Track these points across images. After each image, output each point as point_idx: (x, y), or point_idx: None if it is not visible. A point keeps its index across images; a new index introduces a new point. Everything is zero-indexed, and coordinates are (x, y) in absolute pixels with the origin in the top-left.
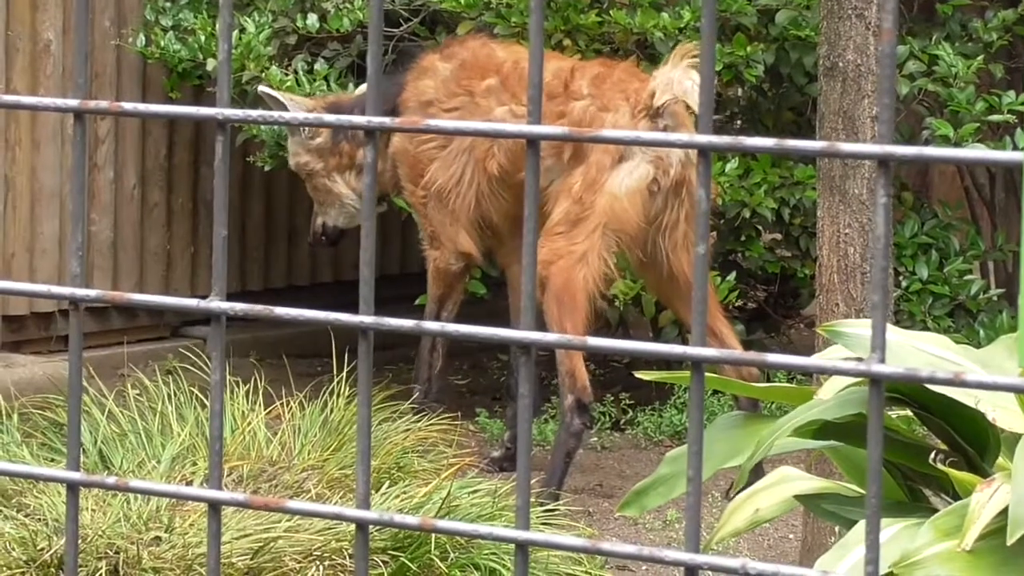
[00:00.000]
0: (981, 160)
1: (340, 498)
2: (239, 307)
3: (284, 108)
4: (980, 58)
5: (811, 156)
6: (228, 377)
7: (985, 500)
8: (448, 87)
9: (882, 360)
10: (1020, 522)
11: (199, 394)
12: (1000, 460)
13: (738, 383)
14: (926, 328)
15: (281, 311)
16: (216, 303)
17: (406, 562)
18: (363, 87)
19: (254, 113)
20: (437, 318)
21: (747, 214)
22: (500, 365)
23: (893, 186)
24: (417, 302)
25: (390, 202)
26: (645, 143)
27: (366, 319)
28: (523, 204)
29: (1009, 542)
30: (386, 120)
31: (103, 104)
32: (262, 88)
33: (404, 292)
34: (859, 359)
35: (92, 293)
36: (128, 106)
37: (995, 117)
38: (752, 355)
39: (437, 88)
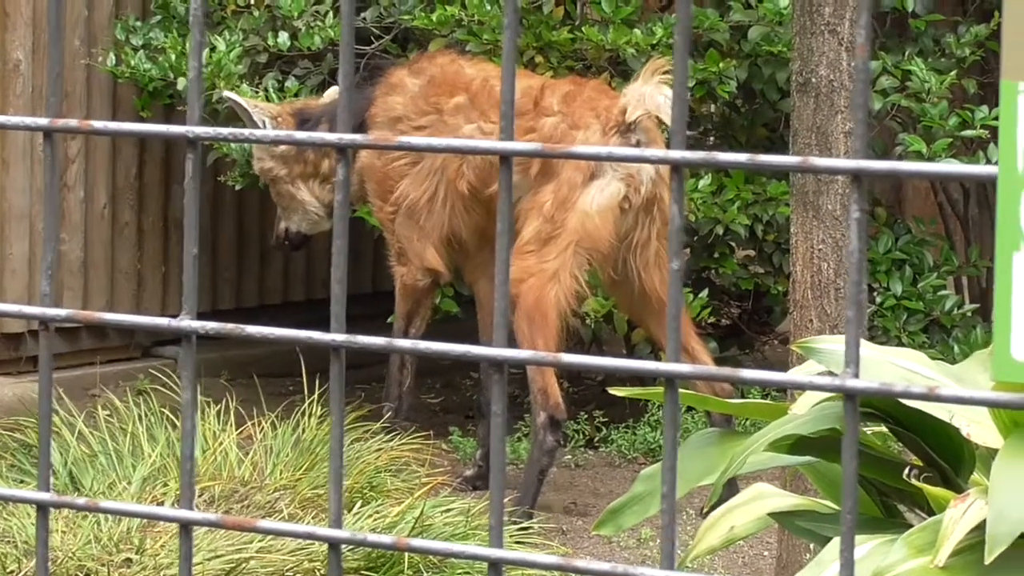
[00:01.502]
0: (955, 175)
1: (313, 518)
2: (210, 326)
3: (248, 115)
4: (953, 73)
5: (785, 171)
6: (199, 397)
7: (958, 516)
8: (417, 104)
9: (856, 375)
10: (998, 540)
11: (170, 414)
12: (975, 476)
13: (712, 399)
14: (901, 344)
15: (252, 330)
16: (187, 322)
17: None
18: (330, 92)
19: (224, 131)
20: (405, 335)
21: (720, 231)
22: (472, 383)
23: (867, 201)
24: (390, 320)
25: (361, 219)
26: (618, 159)
27: (338, 337)
28: (492, 218)
29: (987, 560)
30: (357, 137)
31: (73, 123)
32: (226, 94)
33: (377, 311)
34: (833, 374)
35: (62, 313)
36: (98, 124)
37: (968, 132)
38: (726, 371)
39: (406, 104)
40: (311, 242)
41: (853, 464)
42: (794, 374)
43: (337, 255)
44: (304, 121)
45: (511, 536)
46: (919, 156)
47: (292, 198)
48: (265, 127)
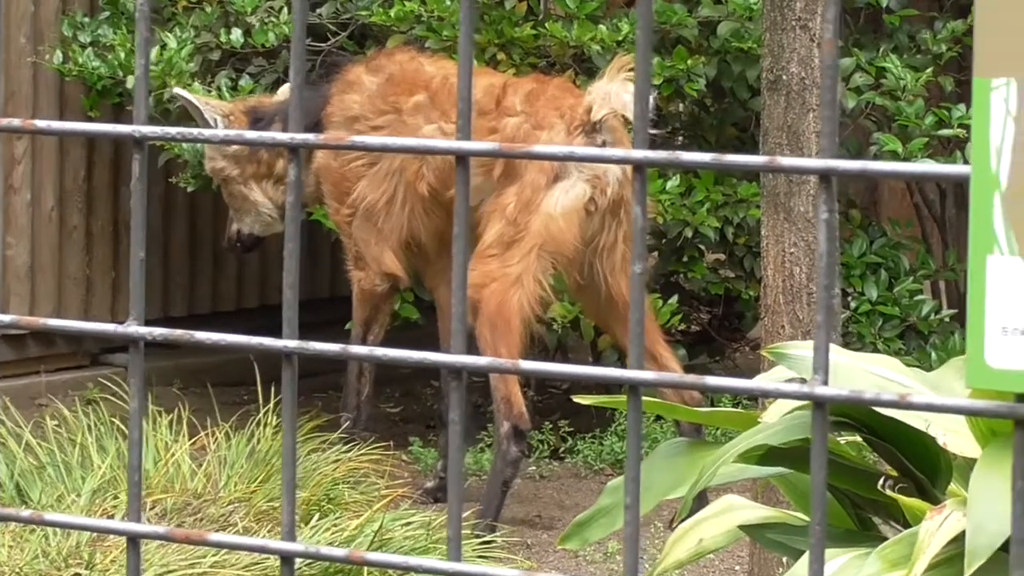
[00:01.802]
0: (926, 174)
1: (268, 531)
2: (158, 332)
3: (200, 113)
4: (929, 70)
5: (752, 171)
6: (150, 406)
7: (934, 528)
8: (375, 103)
9: (825, 382)
10: (978, 553)
11: (121, 424)
12: (952, 486)
13: (680, 408)
14: (876, 350)
15: (202, 335)
16: (134, 328)
17: None
18: (283, 89)
19: (173, 130)
20: (363, 342)
21: (689, 233)
22: (433, 392)
23: (841, 203)
24: (348, 326)
25: (318, 222)
26: (578, 159)
27: (290, 343)
28: (452, 222)
29: (967, 574)
30: (309, 137)
31: (15, 122)
32: (177, 91)
33: (335, 316)
34: (803, 381)
35: (6, 318)
36: (42, 123)
37: (945, 131)
38: (691, 378)
39: (363, 103)
40: (265, 246)
41: (822, 474)
42: (761, 381)
43: (289, 258)
44: (257, 120)
45: (473, 550)
46: (894, 156)
47: (244, 199)
48: (217, 125)
